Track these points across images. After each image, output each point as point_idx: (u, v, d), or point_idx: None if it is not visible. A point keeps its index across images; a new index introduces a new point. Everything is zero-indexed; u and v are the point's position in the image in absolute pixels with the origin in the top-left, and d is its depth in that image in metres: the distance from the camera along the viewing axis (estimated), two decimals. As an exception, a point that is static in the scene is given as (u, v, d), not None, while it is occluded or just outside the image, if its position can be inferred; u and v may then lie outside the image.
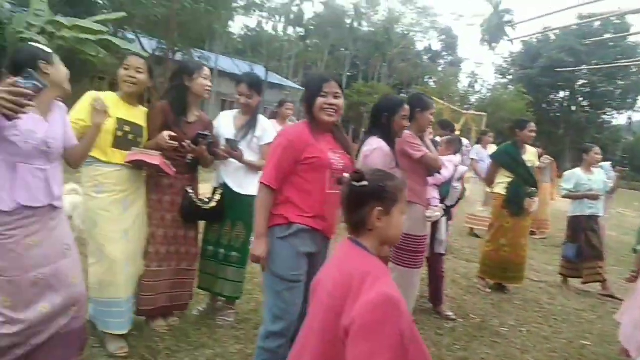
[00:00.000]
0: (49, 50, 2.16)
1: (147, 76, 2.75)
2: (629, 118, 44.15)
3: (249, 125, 3.15)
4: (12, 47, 11.36)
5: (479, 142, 7.94)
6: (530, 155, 4.75)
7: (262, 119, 3.27)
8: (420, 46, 48.27)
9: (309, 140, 2.23)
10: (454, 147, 4.08)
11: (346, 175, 1.46)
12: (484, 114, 18.24)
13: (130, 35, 18.94)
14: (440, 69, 47.66)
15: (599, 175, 5.39)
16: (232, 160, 3.08)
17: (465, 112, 19.01)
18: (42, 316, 2.07)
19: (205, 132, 2.89)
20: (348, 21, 41.75)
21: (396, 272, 3.07)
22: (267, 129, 3.20)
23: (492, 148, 7.55)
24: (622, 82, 37.84)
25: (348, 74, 41.35)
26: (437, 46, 50.17)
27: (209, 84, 2.99)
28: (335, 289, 1.36)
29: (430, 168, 3.23)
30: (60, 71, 2.16)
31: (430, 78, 46.06)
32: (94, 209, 2.63)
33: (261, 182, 2.24)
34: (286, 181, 2.25)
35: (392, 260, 3.12)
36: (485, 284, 4.76)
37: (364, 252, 1.41)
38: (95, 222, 2.61)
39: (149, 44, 19.47)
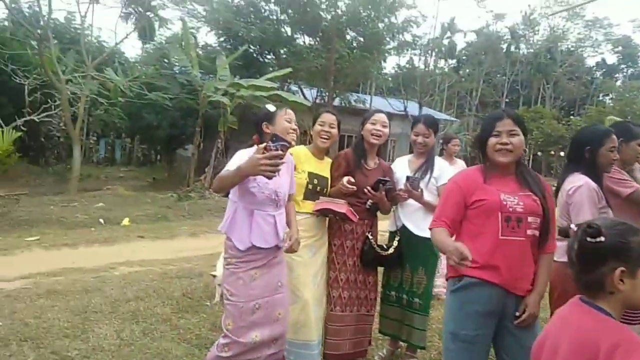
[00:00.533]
0: (272, 109, 2.50)
1: (337, 131, 2.98)
2: None
3: (427, 167, 3.11)
4: (203, 108, 13.43)
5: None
6: None
7: (438, 160, 3.23)
8: (591, 62, 43.30)
9: (479, 183, 2.13)
10: None
11: (573, 226, 1.30)
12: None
13: (294, 87, 20.83)
14: (618, 84, 41.79)
15: None
16: (410, 202, 3.05)
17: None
18: (253, 344, 2.34)
19: (385, 178, 2.93)
20: (504, 46, 39.69)
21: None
22: (444, 169, 3.13)
23: None
24: None
25: (506, 100, 38.96)
26: (612, 59, 44.38)
27: (377, 127, 3.03)
28: (572, 354, 1.20)
29: None
30: (281, 126, 2.46)
31: (607, 95, 40.70)
32: (289, 254, 2.83)
33: (430, 228, 2.19)
34: (459, 229, 2.16)
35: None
36: None
37: (604, 317, 1.22)
38: (291, 267, 2.79)
39: (310, 93, 21.13)
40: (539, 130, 27.26)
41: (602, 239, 1.20)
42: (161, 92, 13.63)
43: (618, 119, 15.14)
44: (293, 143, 2.54)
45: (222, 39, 18.08)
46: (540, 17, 39.14)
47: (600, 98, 40.93)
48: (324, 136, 2.94)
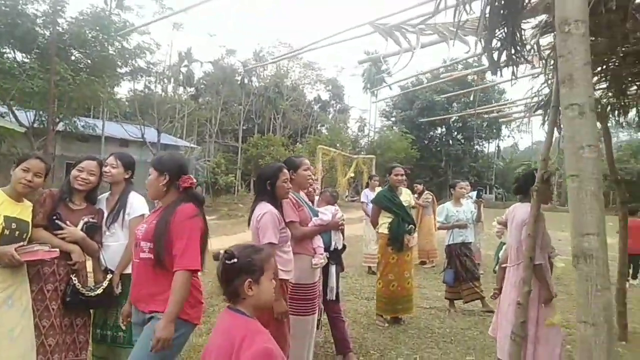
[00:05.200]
0: None
1: (43, 179, 2.77)
2: (498, 146, 50.42)
3: (120, 205, 3.12)
4: None
5: (367, 186, 8.65)
6: (405, 195, 5.35)
7: (133, 196, 3.20)
8: (310, 97, 50.85)
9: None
10: (327, 199, 4.32)
11: (222, 252, 1.69)
12: (373, 156, 19.63)
13: (3, 109, 17.69)
14: (330, 117, 50.35)
15: (467, 206, 6.19)
16: (108, 242, 3.08)
17: (356, 156, 20.28)
18: None
19: (55, 215, 2.88)
20: (238, 78, 42.89)
21: (290, 321, 3.29)
22: (135, 204, 3.16)
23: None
24: (487, 115, 43.17)
25: (243, 127, 42.00)
26: (325, 96, 53.19)
27: (82, 176, 2.97)
28: (220, 355, 1.57)
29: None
30: None
31: (323, 125, 48.44)
32: None
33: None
34: None
35: (287, 311, 3.32)
36: (383, 320, 5.13)
37: (240, 316, 1.64)
38: None
39: (26, 116, 18.29)
40: (270, 156, 30.39)
41: (235, 260, 1.63)
42: None
43: (327, 147, 18.33)
44: None
45: None
46: (267, 55, 43.97)
47: (318, 128, 48.38)
48: (24, 184, 2.70)
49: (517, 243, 3.43)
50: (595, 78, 4.52)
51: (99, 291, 2.94)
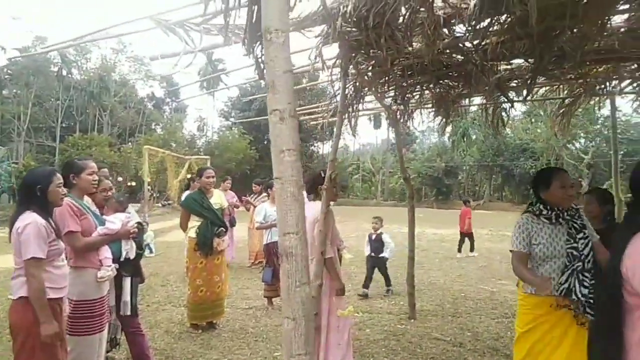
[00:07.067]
0: None
1: None
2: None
3: None
4: None
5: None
6: (217, 197, 5.25)
7: None
8: (142, 93, 47.42)
9: None
10: (114, 206, 3.87)
11: None
12: (208, 157, 19.19)
13: None
14: (165, 115, 47.77)
15: (283, 206, 6.40)
16: None
17: (188, 157, 19.56)
18: None
19: None
20: (55, 69, 37.83)
21: (72, 343, 2.95)
22: None
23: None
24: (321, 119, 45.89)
25: (63, 125, 37.25)
26: (160, 93, 50.23)
27: None
28: None
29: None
30: None
31: (158, 125, 45.71)
32: None
33: None
34: None
35: (68, 331, 2.97)
36: (197, 327, 4.97)
37: None
38: None
39: None
40: (92, 156, 27.60)
41: None
42: None
43: (155, 148, 17.29)
44: None
45: None
46: (91, 45, 39.63)
47: (153, 127, 45.48)
48: None
49: (311, 239, 3.62)
50: (385, 87, 5.07)
51: None
